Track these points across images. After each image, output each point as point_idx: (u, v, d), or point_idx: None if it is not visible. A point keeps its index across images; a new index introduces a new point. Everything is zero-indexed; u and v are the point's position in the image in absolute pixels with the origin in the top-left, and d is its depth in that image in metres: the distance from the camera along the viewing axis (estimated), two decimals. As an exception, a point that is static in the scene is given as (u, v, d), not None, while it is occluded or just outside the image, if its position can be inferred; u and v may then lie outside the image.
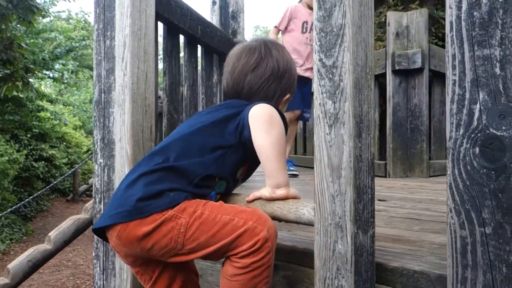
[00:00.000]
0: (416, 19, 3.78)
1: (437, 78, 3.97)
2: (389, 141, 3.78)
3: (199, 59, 2.98)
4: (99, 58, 1.89)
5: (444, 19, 4.59)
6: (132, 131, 1.58)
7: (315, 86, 1.05)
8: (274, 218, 1.16)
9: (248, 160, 1.26)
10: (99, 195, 1.87)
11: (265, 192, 1.18)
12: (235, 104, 1.30)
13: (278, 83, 1.33)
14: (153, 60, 1.65)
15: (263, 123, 1.14)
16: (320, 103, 1.03)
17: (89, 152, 12.95)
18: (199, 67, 3.00)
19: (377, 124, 4.05)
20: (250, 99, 1.32)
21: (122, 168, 1.60)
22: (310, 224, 1.09)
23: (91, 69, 20.73)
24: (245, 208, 1.14)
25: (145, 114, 1.62)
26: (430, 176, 3.73)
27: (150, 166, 1.14)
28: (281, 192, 1.16)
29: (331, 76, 1.02)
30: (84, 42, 20.33)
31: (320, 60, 1.03)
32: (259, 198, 1.19)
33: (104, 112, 1.87)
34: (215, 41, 2.98)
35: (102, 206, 1.87)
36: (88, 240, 7.30)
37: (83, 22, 23.75)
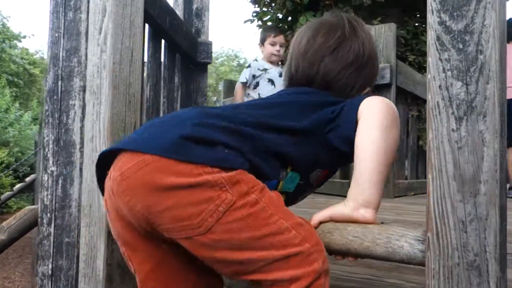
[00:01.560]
0: (384, 33, 3.65)
1: (401, 95, 3.84)
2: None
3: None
4: (57, 35, 1.44)
5: (403, 37, 4.55)
6: (112, 127, 1.16)
7: (430, 61, 0.72)
8: (346, 252, 0.81)
9: (327, 166, 0.91)
10: (49, 215, 1.40)
11: (345, 209, 0.83)
12: (317, 92, 0.99)
13: (360, 71, 1.03)
14: (140, 35, 1.25)
15: (382, 120, 0.84)
16: (440, 86, 0.71)
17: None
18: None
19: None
20: (325, 88, 1.00)
21: (93, 178, 1.17)
22: (411, 262, 0.75)
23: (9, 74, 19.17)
24: (303, 220, 0.81)
25: (129, 106, 1.21)
26: (395, 197, 3.56)
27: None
28: (369, 214, 0.82)
29: (461, 46, 0.70)
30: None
31: (442, 23, 0.71)
32: (329, 220, 0.84)
33: (60, 105, 1.41)
34: (181, 37, 2.59)
35: (52, 230, 1.40)
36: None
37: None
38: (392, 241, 0.76)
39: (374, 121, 0.84)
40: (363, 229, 0.80)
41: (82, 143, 1.36)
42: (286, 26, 4.99)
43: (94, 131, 1.17)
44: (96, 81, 1.18)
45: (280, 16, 5.04)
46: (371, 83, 1.07)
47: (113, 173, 0.80)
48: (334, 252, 0.84)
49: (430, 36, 0.72)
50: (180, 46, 2.60)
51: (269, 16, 5.34)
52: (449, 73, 0.70)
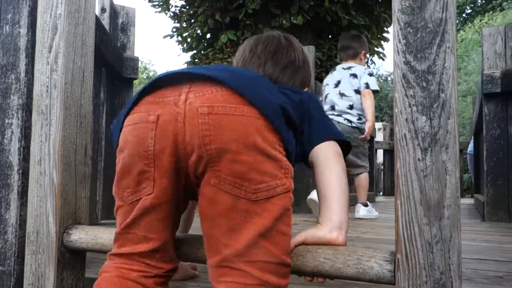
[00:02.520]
0: (305, 55, 3.81)
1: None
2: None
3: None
4: (-10, 48, 1.35)
5: (318, 59, 4.79)
6: (63, 149, 1.10)
7: (397, 97, 0.80)
8: (318, 273, 0.85)
9: None
10: (-22, 242, 1.29)
11: (318, 231, 0.88)
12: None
13: (296, 73, 1.16)
14: (92, 55, 1.21)
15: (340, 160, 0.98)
16: (407, 119, 0.78)
17: None
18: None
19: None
20: None
21: (41, 203, 1.10)
22: (380, 282, 0.81)
23: None
24: None
25: (80, 128, 1.16)
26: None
27: None
28: (342, 235, 0.87)
29: (424, 85, 0.78)
30: None
31: (407, 63, 0.79)
32: (301, 243, 0.88)
33: (-6, 124, 1.32)
34: (108, 52, 2.51)
35: (-18, 259, 1.29)
36: None
37: None
38: (362, 262, 0.82)
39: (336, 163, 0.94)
40: (333, 251, 0.85)
41: (20, 164, 1.29)
42: (206, 44, 5.02)
43: (43, 153, 1.11)
44: (44, 101, 1.12)
45: (201, 33, 5.07)
46: (309, 84, 1.20)
47: (194, 98, 0.79)
48: (306, 273, 0.87)
49: (397, 74, 0.80)
50: (107, 61, 2.53)
51: (188, 33, 5.34)
52: (414, 108, 0.78)
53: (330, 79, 3.25)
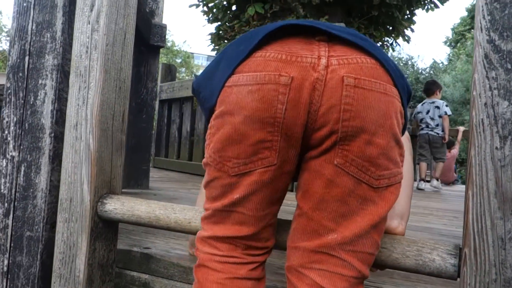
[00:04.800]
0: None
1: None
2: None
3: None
4: (25, 5, 1.29)
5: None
6: (101, 115, 1.05)
7: (477, 78, 0.73)
8: (373, 264, 0.80)
9: None
10: (6, 205, 1.26)
11: (390, 222, 0.82)
12: None
13: None
14: (134, 17, 1.15)
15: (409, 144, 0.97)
16: (486, 103, 0.72)
17: None
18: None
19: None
20: None
21: (75, 170, 1.06)
22: (441, 276, 0.76)
23: None
24: None
25: (119, 93, 1.11)
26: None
27: None
28: (402, 225, 0.81)
29: (509, 66, 0.71)
30: None
31: (491, 41, 0.72)
32: None
33: (26, 83, 1.27)
34: (137, 17, 2.44)
35: (10, 222, 1.26)
36: None
37: None
38: (423, 254, 0.77)
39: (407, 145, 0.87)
40: (391, 240, 0.80)
41: (52, 127, 1.24)
42: (231, 16, 4.91)
43: (79, 117, 1.06)
44: (83, 63, 1.07)
45: (227, 4, 4.95)
46: None
47: (337, 65, 0.69)
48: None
49: (478, 53, 0.73)
50: (136, 26, 2.45)
51: (215, 3, 5.22)
52: (495, 91, 0.71)
53: (421, 109, 5.20)
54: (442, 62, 27.59)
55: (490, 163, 0.71)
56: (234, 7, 5.08)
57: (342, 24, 3.66)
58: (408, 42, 5.48)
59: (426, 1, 4.87)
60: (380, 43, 5.22)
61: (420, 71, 27.43)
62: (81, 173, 1.05)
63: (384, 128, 0.70)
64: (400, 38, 5.27)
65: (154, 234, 1.44)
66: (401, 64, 26.06)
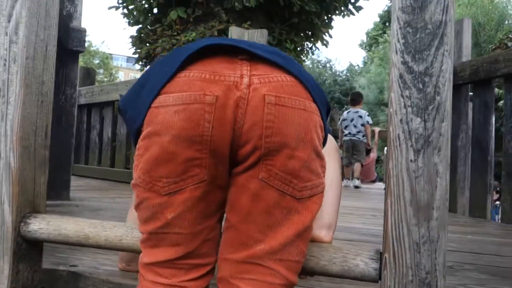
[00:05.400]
0: (257, 38, 3.77)
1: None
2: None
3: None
4: None
5: (269, 43, 4.76)
6: (22, 131, 1.01)
7: (393, 96, 0.79)
8: (302, 271, 0.84)
9: None
10: None
11: (319, 232, 0.86)
12: None
13: None
14: (56, 28, 1.10)
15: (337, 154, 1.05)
16: (401, 120, 0.78)
17: None
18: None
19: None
20: None
21: (-6, 188, 1.00)
22: (364, 279, 0.82)
23: None
24: None
25: (41, 107, 1.07)
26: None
27: None
28: (329, 235, 0.86)
29: (421, 86, 0.78)
30: None
31: (405, 63, 0.79)
32: None
33: None
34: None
35: None
36: None
37: None
38: (348, 260, 0.82)
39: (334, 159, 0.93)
40: (318, 248, 0.84)
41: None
42: (153, 19, 4.83)
43: (-2, 134, 1.01)
44: (1, 76, 1.01)
45: (148, 7, 4.86)
46: None
47: (259, 84, 0.73)
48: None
49: (394, 74, 0.79)
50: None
51: (135, 5, 5.10)
52: (409, 109, 0.78)
53: (346, 117, 6.08)
54: (358, 65, 29.02)
55: (406, 174, 0.78)
56: (155, 10, 5.00)
57: (265, 31, 3.74)
58: (326, 46, 5.72)
59: (342, 9, 5.11)
60: (300, 47, 5.39)
61: (337, 73, 28.63)
62: (1, 192, 1.00)
63: (304, 142, 0.74)
64: (319, 42, 5.49)
65: (80, 250, 1.39)
66: (320, 67, 27.06)
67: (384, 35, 26.83)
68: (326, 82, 25.97)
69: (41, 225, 1.00)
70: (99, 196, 3.08)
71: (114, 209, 2.33)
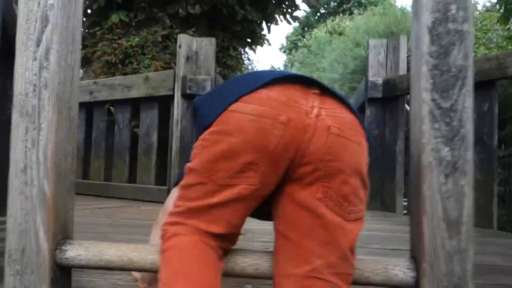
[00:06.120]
0: (205, 46, 3.83)
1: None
2: (174, 166, 3.65)
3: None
4: None
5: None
6: (56, 157, 1.01)
7: (425, 129, 0.92)
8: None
9: None
10: None
11: None
12: None
13: None
14: (79, 52, 1.10)
15: None
16: (432, 149, 0.91)
17: None
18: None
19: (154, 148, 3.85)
20: None
21: (27, 218, 0.99)
22: (402, 286, 0.93)
23: None
24: None
25: (69, 132, 1.06)
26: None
27: None
28: None
29: (448, 120, 0.91)
30: None
31: (434, 100, 0.92)
32: None
33: None
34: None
35: None
36: None
37: None
38: (388, 270, 0.93)
39: None
40: (361, 262, 0.95)
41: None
42: (94, 22, 4.68)
43: (28, 160, 1.00)
44: (31, 102, 1.00)
45: (89, 10, 4.70)
46: None
47: (326, 116, 0.86)
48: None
49: (424, 109, 0.92)
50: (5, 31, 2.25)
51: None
52: (439, 139, 0.91)
53: None
54: (279, 68, 29.74)
55: (438, 196, 0.91)
56: (97, 13, 4.85)
57: (213, 40, 3.79)
58: (254, 52, 5.89)
59: (281, 18, 5.30)
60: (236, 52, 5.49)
61: (259, 75, 28.99)
62: (36, 220, 0.99)
63: (356, 172, 0.88)
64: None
65: (85, 271, 1.38)
66: (242, 69, 27.36)
67: (303, 39, 27.80)
68: (249, 84, 26.29)
69: (79, 252, 1.00)
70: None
71: (80, 223, 2.27)
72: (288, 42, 30.66)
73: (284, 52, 31.32)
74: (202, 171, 0.88)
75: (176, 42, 4.41)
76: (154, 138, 3.85)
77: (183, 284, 0.81)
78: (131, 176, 3.95)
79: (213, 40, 3.85)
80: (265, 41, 5.33)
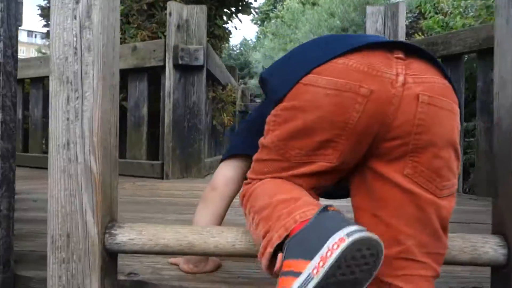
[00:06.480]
0: (196, 14, 3.66)
1: (207, 77, 3.92)
2: (167, 140, 3.52)
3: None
4: None
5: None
6: (102, 131, 0.88)
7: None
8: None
9: None
10: None
11: None
12: None
13: None
14: (119, 10, 0.97)
15: None
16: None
17: None
18: None
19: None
20: None
21: (71, 199, 0.88)
22: (492, 264, 0.87)
23: None
24: None
25: (113, 102, 0.94)
26: (206, 176, 3.70)
27: None
28: None
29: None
30: None
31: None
32: None
33: None
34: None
35: None
36: None
37: None
38: (478, 248, 0.87)
39: None
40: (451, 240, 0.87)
41: None
42: None
43: (72, 135, 0.87)
44: (72, 67, 0.87)
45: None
46: None
47: (413, 84, 0.76)
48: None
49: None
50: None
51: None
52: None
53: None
54: (251, 39, 29.36)
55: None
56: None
57: (204, 7, 3.62)
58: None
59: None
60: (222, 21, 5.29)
61: (231, 47, 28.71)
62: (82, 201, 0.87)
63: (449, 142, 0.78)
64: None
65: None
66: (229, 39, 26.85)
67: (275, 10, 27.38)
68: (223, 55, 25.94)
69: (131, 235, 0.89)
70: (38, 187, 2.78)
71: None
72: (260, 13, 30.17)
73: (256, 23, 30.85)
74: (275, 148, 0.84)
75: (162, 11, 4.23)
76: (145, 111, 3.68)
77: (282, 194, 0.79)
78: (121, 151, 3.79)
79: (204, 7, 3.68)
80: (252, 10, 5.14)
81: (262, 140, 0.88)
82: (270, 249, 0.73)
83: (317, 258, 0.63)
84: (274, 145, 0.84)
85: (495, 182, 0.92)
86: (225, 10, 4.84)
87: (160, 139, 3.63)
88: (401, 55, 0.79)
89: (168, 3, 3.58)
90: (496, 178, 0.92)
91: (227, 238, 0.88)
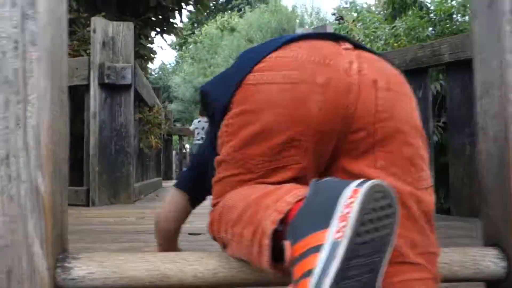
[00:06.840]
0: (123, 31, 3.50)
1: (135, 97, 3.72)
2: (93, 164, 3.26)
3: None
4: None
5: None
6: (51, 142, 0.72)
7: None
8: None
9: None
10: None
11: None
12: None
13: None
14: (67, 2, 0.82)
15: None
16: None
17: None
18: None
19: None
20: None
21: (12, 226, 0.70)
22: (492, 279, 0.82)
23: None
24: None
25: (62, 108, 0.78)
26: (135, 201, 3.48)
27: None
28: None
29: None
30: None
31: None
32: None
33: None
34: None
35: None
36: None
37: None
38: (478, 262, 0.81)
39: None
40: (445, 255, 0.81)
41: None
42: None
43: (12, 147, 0.70)
44: (11, 64, 0.71)
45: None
46: None
47: (368, 69, 0.71)
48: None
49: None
50: None
51: None
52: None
53: (198, 125, 7.43)
54: (169, 63, 29.09)
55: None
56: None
57: (131, 24, 3.45)
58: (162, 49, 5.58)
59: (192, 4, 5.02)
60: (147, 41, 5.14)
61: (150, 71, 28.21)
62: (26, 230, 0.69)
63: (415, 128, 0.74)
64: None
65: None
66: (154, 60, 26.30)
67: (193, 35, 27.44)
68: (148, 77, 25.42)
69: (90, 268, 0.73)
70: None
71: None
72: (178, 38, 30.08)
73: (174, 48, 30.69)
74: (233, 161, 0.75)
75: (84, 27, 3.98)
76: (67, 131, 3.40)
77: (258, 192, 0.69)
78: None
79: (131, 24, 3.52)
80: (179, 31, 5.04)
81: (217, 158, 0.78)
82: (266, 241, 0.61)
83: (335, 221, 0.54)
84: (231, 157, 0.75)
85: (482, 193, 0.88)
86: (150, 30, 4.67)
87: (84, 163, 3.35)
88: (349, 46, 0.75)
89: (92, 19, 3.37)
90: (483, 188, 0.88)
91: (208, 265, 0.75)
